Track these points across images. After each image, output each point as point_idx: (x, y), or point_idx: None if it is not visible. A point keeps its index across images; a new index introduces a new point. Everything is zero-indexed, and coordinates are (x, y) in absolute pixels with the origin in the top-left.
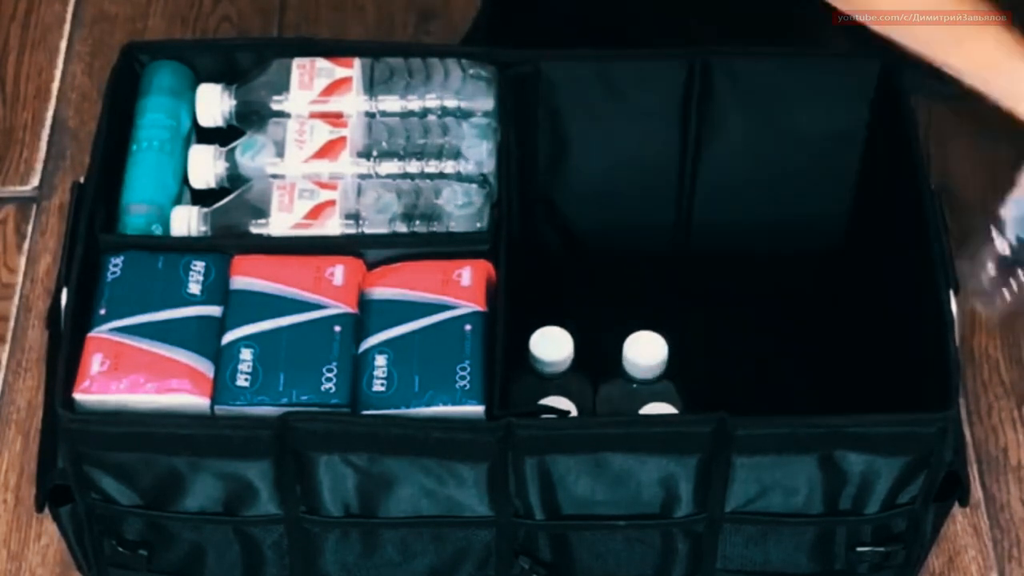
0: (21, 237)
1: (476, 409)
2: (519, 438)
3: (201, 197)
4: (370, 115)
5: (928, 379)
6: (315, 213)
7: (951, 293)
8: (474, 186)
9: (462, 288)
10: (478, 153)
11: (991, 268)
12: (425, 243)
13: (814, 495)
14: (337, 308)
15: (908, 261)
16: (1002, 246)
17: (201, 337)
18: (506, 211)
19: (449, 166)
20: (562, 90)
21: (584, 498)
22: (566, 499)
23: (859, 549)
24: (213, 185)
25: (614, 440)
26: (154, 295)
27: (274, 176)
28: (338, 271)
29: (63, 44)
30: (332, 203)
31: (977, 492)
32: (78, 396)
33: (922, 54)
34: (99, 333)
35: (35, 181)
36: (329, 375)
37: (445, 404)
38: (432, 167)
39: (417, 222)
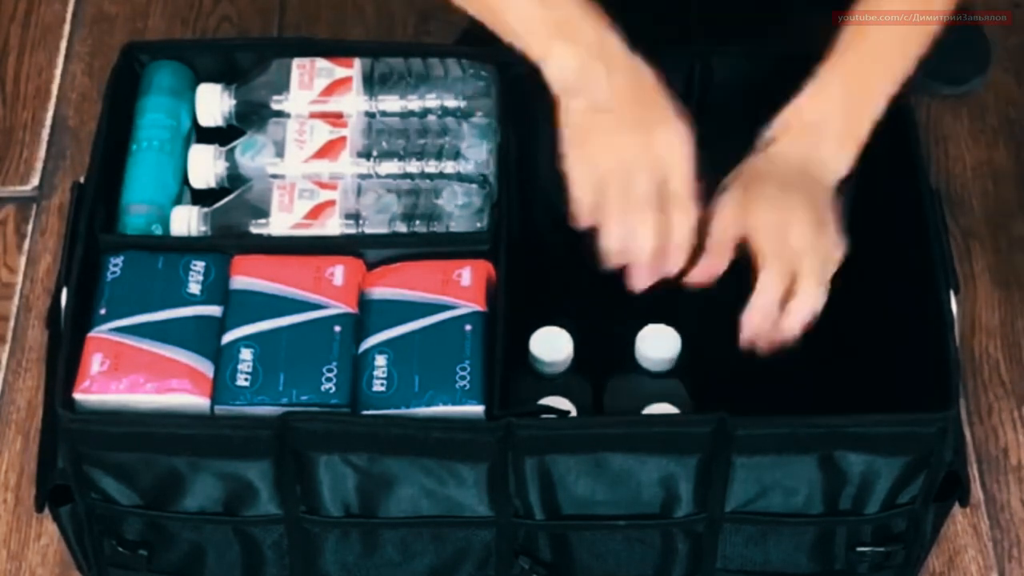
0: (21, 237)
1: (476, 409)
2: (519, 438)
3: (201, 197)
4: (370, 115)
5: (928, 379)
6: (315, 213)
7: (951, 293)
8: (474, 186)
9: (462, 288)
10: (478, 153)
11: None
12: (425, 243)
13: (814, 495)
14: (337, 308)
15: (908, 261)
16: None
17: (201, 337)
18: (506, 211)
19: (449, 166)
20: None
21: (584, 498)
22: (566, 499)
23: (859, 549)
24: (213, 185)
25: (614, 440)
26: (154, 295)
27: (274, 176)
28: (338, 271)
29: (63, 44)
30: (332, 203)
31: (977, 492)
32: (78, 396)
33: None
34: (99, 333)
35: (35, 181)
36: (329, 375)
37: (445, 404)
38: (432, 167)
39: (417, 222)
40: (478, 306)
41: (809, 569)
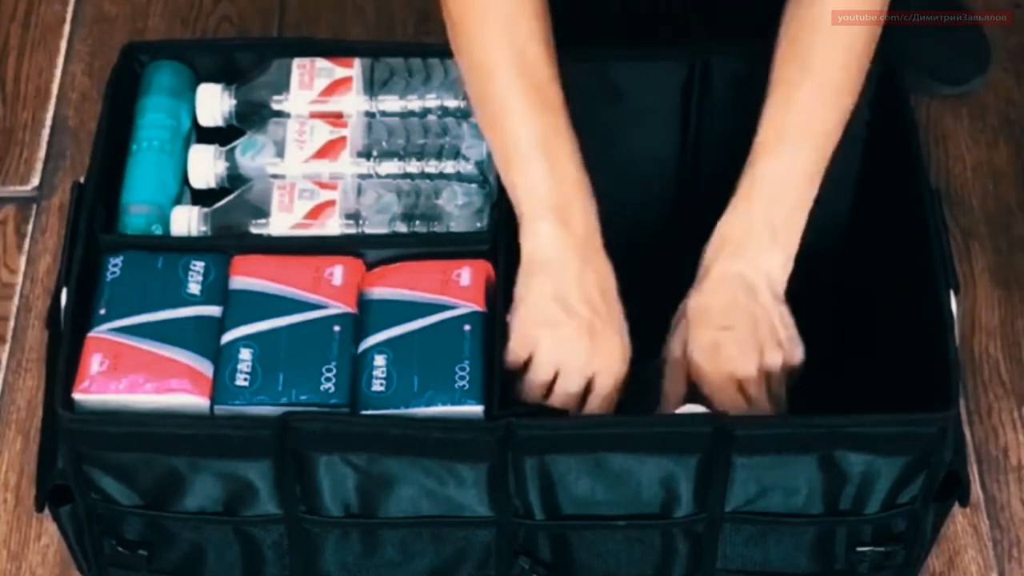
0: (21, 237)
1: (476, 409)
2: (519, 438)
3: (201, 197)
4: (370, 115)
5: (928, 379)
6: (315, 213)
7: (951, 293)
8: (474, 186)
9: (461, 288)
10: (478, 153)
11: None
12: (425, 243)
13: (814, 495)
14: (337, 308)
15: (908, 261)
16: None
17: (201, 337)
18: (506, 211)
19: (449, 166)
20: (562, 90)
21: (584, 498)
22: (566, 499)
23: (859, 549)
24: (213, 185)
25: (614, 440)
26: (154, 295)
27: (274, 176)
28: (338, 271)
29: (63, 44)
30: (332, 203)
31: (977, 492)
32: (78, 396)
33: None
34: (99, 333)
35: (35, 181)
36: (328, 375)
37: (445, 404)
38: (432, 167)
39: (417, 222)
40: (477, 306)
41: (809, 569)
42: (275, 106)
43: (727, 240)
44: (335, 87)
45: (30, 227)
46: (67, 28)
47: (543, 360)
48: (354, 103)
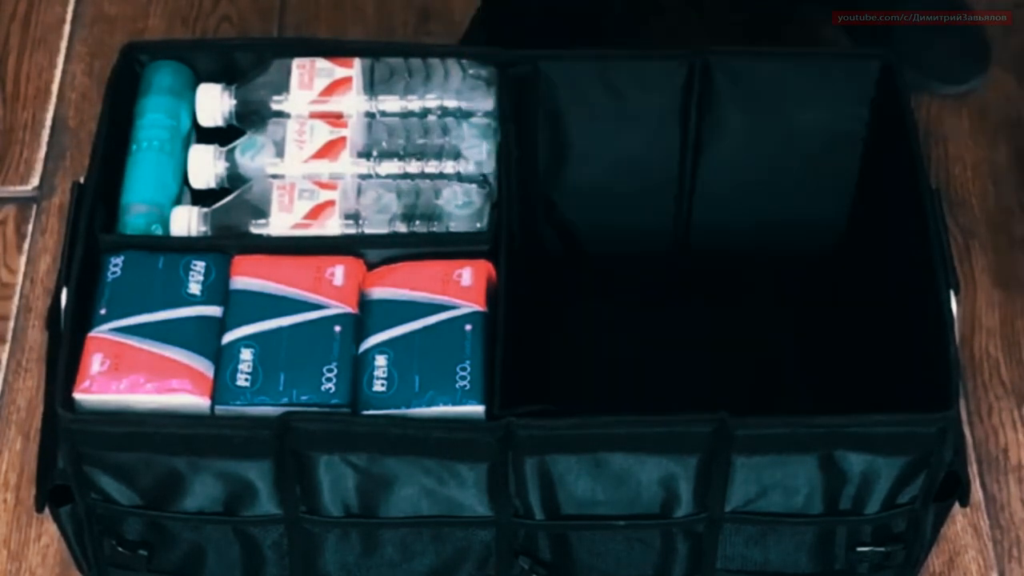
0: (21, 237)
1: (476, 409)
2: (519, 438)
3: (201, 197)
4: (370, 115)
5: (928, 379)
6: (315, 213)
7: (951, 293)
8: (474, 186)
9: (462, 288)
10: (478, 153)
11: None
12: (425, 243)
13: (814, 495)
14: (337, 308)
15: (908, 261)
16: None
17: (201, 337)
18: (506, 211)
19: (449, 166)
20: (562, 90)
21: (584, 498)
22: (566, 499)
23: (859, 549)
24: (213, 185)
25: (614, 440)
26: (154, 295)
27: (274, 176)
28: (338, 271)
29: (63, 44)
30: (332, 203)
31: (977, 492)
32: (78, 396)
33: None
34: (99, 333)
35: (35, 181)
36: (329, 375)
37: (445, 404)
38: (432, 167)
39: (417, 222)
40: (478, 306)
41: (809, 569)
42: (275, 106)
43: None
44: (335, 87)
45: (30, 227)
46: (67, 28)
47: None
48: (354, 103)
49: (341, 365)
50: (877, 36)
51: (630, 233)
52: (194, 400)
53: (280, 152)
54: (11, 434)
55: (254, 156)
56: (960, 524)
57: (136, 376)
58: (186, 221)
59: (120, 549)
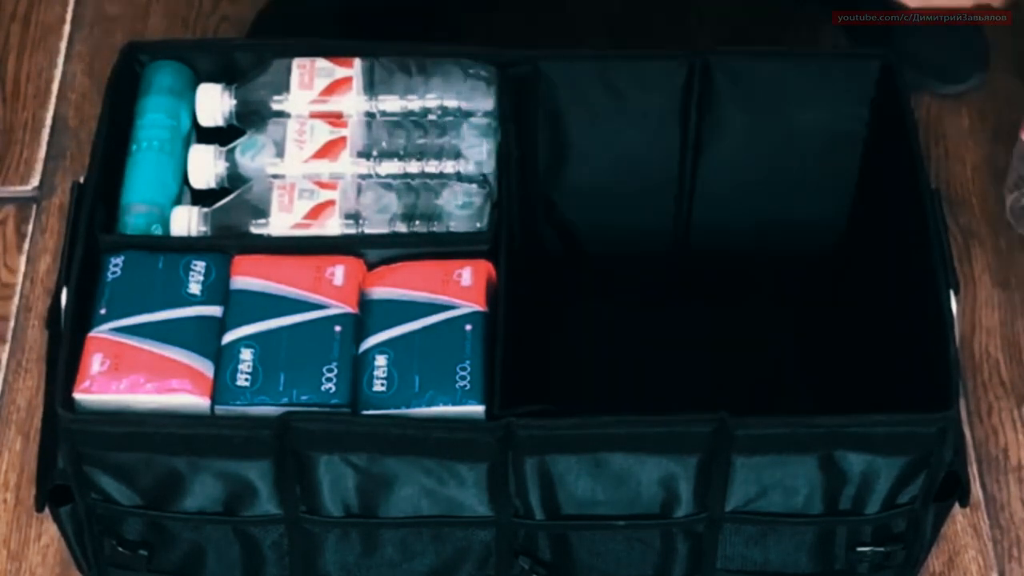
0: (21, 237)
1: (476, 409)
2: (519, 438)
3: (201, 197)
4: (370, 115)
5: (928, 379)
6: (315, 213)
7: (951, 293)
8: (474, 186)
9: (462, 288)
10: (478, 153)
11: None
12: (425, 243)
13: (814, 495)
14: (337, 308)
15: (908, 261)
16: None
17: (201, 337)
18: (506, 211)
19: (449, 166)
20: (562, 90)
21: (584, 498)
22: (566, 499)
23: (859, 549)
24: (213, 185)
25: (614, 440)
26: (154, 295)
27: (274, 176)
28: (338, 271)
29: (63, 44)
30: (332, 203)
31: (977, 492)
32: (78, 396)
33: None
34: (99, 333)
35: (35, 181)
36: (329, 375)
37: (445, 404)
38: (432, 167)
39: (417, 222)
40: (478, 306)
41: (809, 569)
42: (275, 106)
43: None
44: (335, 87)
45: (30, 227)
46: (67, 28)
47: None
48: (354, 103)
49: (341, 365)
50: (877, 36)
51: (630, 233)
52: (194, 400)
53: (280, 152)
54: (11, 434)
55: (254, 156)
56: (960, 524)
57: (136, 376)
58: (186, 221)
59: (120, 549)
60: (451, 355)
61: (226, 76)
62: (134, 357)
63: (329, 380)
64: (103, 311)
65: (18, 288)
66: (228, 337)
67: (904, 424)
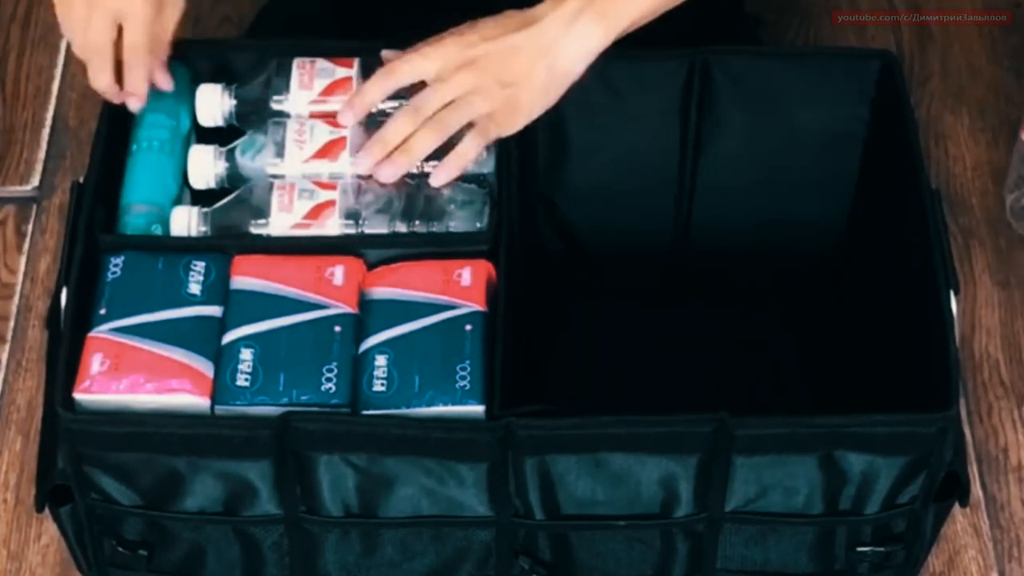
0: (21, 237)
1: (476, 409)
2: (519, 438)
3: (201, 197)
4: (370, 115)
5: (928, 379)
6: (315, 213)
7: (951, 293)
8: (474, 186)
9: (462, 288)
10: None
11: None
12: (425, 243)
13: (814, 495)
14: (337, 308)
15: (908, 261)
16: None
17: (201, 337)
18: (506, 211)
19: None
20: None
21: (584, 498)
22: (566, 499)
23: (859, 549)
24: (213, 185)
25: (614, 440)
26: (154, 295)
27: (274, 176)
28: (338, 271)
29: (63, 44)
30: (332, 203)
31: (977, 492)
32: (78, 396)
33: None
34: (99, 333)
35: (35, 181)
36: (329, 375)
37: (445, 404)
38: (432, 167)
39: (417, 222)
40: (478, 306)
41: (809, 569)
42: (275, 106)
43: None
44: (335, 87)
45: (30, 227)
46: None
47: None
48: None
49: (341, 365)
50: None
51: (630, 233)
52: (194, 400)
53: (280, 152)
54: (11, 434)
55: (254, 156)
56: (960, 524)
57: (136, 376)
58: (186, 221)
59: (120, 549)
60: (451, 355)
61: (226, 76)
62: (134, 357)
63: (329, 380)
64: (103, 311)
65: (18, 288)
66: (228, 337)
67: (904, 424)
